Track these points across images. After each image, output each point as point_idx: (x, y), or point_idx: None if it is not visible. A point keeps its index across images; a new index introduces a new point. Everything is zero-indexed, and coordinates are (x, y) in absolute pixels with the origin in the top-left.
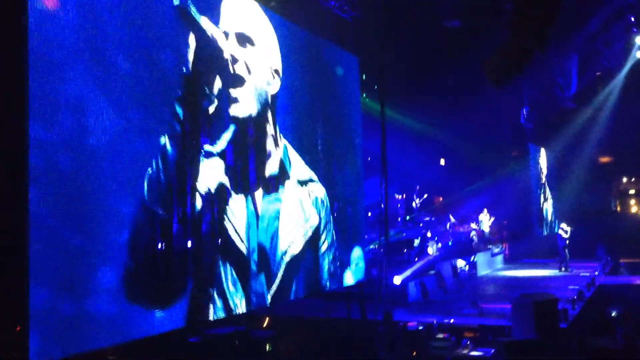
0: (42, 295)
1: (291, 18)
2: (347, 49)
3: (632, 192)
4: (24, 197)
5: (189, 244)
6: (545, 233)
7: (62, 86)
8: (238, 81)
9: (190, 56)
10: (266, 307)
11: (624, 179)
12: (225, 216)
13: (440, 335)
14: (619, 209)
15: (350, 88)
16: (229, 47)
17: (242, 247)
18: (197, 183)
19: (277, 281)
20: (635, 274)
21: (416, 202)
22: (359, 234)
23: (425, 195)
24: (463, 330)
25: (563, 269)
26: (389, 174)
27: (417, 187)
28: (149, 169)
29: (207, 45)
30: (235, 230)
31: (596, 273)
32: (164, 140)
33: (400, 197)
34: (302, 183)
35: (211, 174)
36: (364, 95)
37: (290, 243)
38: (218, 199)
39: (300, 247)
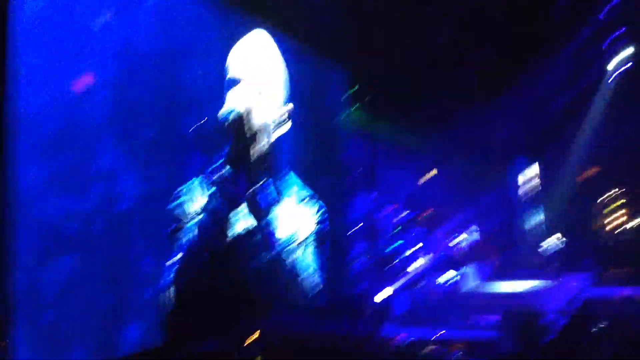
0: (80, 353)
1: (280, 27)
2: (337, 60)
3: (619, 203)
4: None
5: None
6: (534, 245)
7: (95, 159)
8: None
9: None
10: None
11: (612, 190)
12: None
13: (430, 348)
14: (606, 220)
15: (339, 99)
16: (248, 99)
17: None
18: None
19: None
20: (622, 284)
21: (405, 215)
22: (346, 247)
23: (417, 212)
24: (452, 342)
25: (556, 281)
26: (377, 186)
27: (406, 200)
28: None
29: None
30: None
31: (583, 285)
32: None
33: (388, 209)
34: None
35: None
36: (354, 106)
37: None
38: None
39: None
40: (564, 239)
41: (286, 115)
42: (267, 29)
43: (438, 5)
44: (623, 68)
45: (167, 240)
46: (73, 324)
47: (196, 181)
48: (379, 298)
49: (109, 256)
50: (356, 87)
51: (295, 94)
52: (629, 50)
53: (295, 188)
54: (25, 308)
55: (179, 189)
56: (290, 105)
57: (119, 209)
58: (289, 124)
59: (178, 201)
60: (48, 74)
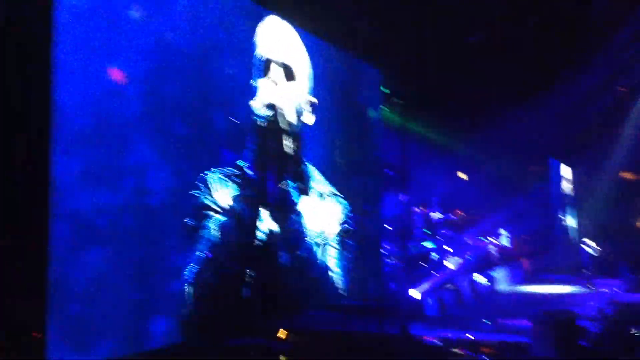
0: (107, 345)
1: (312, 30)
2: (368, 61)
3: None
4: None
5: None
6: (566, 249)
7: (127, 155)
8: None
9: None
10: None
11: None
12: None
13: (458, 351)
14: None
15: (371, 101)
16: (275, 92)
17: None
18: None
19: (294, 293)
20: None
21: (437, 216)
22: (377, 246)
23: (454, 217)
24: (481, 345)
25: (589, 286)
26: (408, 187)
27: (437, 201)
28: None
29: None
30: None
31: (616, 290)
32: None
33: (419, 210)
34: (321, 196)
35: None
36: (385, 108)
37: (309, 256)
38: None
39: (317, 260)
40: (598, 245)
41: (311, 108)
42: (300, 29)
43: (473, 4)
44: None
45: (189, 236)
46: (102, 316)
47: (214, 175)
48: (409, 298)
49: (138, 250)
50: (389, 88)
51: (329, 93)
52: None
53: (317, 184)
54: (57, 300)
55: (197, 183)
56: (315, 99)
57: (150, 203)
58: (313, 118)
59: (198, 195)
60: (83, 69)
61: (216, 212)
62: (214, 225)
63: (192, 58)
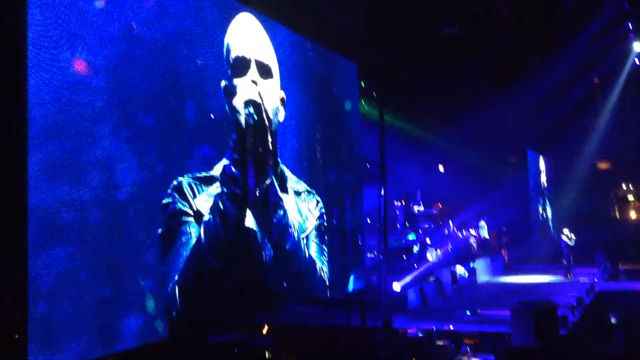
0: (78, 345)
1: (288, 24)
2: (345, 55)
3: (631, 198)
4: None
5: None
6: (544, 239)
7: (92, 148)
8: (256, 114)
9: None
10: (266, 315)
11: (623, 185)
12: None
13: (440, 342)
14: (618, 215)
15: (348, 94)
16: (254, 91)
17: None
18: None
19: (278, 288)
20: (634, 280)
21: (418, 209)
22: (358, 240)
23: (434, 210)
24: (463, 337)
25: (569, 275)
26: (388, 180)
27: (418, 194)
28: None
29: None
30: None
31: (595, 279)
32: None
33: (399, 203)
34: (298, 194)
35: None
36: (363, 101)
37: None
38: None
39: (300, 255)
40: (575, 235)
41: (281, 103)
42: (274, 23)
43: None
44: (633, 63)
45: (161, 242)
46: (71, 316)
47: (184, 180)
48: (391, 291)
49: (108, 246)
50: (366, 82)
51: (305, 87)
52: (638, 47)
53: (291, 182)
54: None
55: (169, 190)
56: (284, 94)
57: (118, 197)
58: (284, 113)
59: (169, 200)
60: (46, 60)
61: (192, 216)
62: (192, 229)
63: (160, 48)
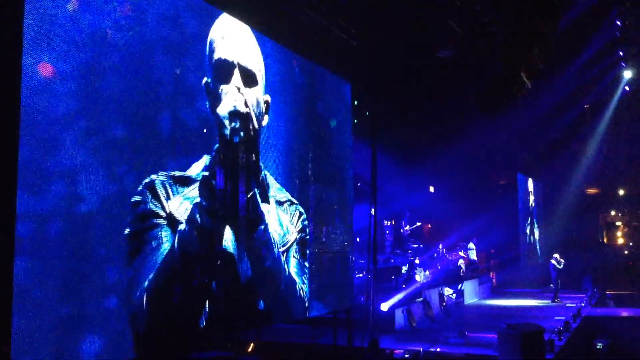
0: None
1: (283, 41)
2: (339, 74)
3: (618, 223)
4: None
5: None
6: (531, 262)
7: (54, 156)
8: (241, 119)
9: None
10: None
11: (611, 211)
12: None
13: None
14: (605, 240)
15: (342, 113)
16: (239, 98)
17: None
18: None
19: (263, 306)
20: (621, 305)
21: (406, 229)
22: (347, 259)
23: (419, 224)
24: (449, 359)
25: (557, 299)
26: (378, 200)
27: (407, 214)
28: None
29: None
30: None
31: (582, 304)
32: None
33: (389, 223)
34: (280, 203)
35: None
36: (355, 120)
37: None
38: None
39: (279, 274)
40: (563, 258)
41: (265, 107)
42: (266, 40)
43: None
44: (623, 91)
45: (129, 243)
46: (25, 335)
47: (157, 179)
48: (378, 310)
49: (67, 261)
50: (358, 101)
51: (298, 104)
52: (628, 74)
53: (273, 190)
54: None
55: (141, 187)
56: (268, 97)
57: (80, 210)
58: (267, 118)
59: (138, 198)
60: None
61: (164, 219)
62: (164, 233)
63: (133, 54)
